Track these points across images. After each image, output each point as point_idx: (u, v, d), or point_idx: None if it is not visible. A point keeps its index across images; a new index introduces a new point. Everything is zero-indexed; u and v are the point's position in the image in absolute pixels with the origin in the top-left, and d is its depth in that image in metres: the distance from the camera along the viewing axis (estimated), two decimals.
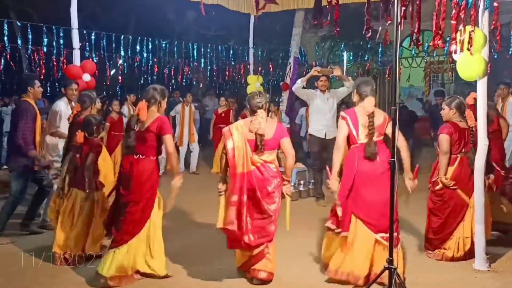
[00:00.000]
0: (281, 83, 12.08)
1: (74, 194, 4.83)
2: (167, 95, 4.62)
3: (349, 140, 4.40)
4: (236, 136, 4.18)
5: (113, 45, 10.13)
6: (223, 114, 10.58)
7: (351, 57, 14.55)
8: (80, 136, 4.83)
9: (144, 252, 4.32)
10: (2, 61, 9.85)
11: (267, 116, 4.40)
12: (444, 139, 4.82)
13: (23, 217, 5.77)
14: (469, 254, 4.73)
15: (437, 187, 4.87)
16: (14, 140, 5.47)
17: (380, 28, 4.56)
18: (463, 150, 4.84)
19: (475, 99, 4.70)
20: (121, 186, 4.33)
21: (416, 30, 3.99)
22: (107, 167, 5.28)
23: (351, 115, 4.37)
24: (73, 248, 4.72)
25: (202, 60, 12.37)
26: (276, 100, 11.97)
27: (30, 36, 9.20)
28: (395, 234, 3.84)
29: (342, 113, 4.46)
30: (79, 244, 4.75)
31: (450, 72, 14.24)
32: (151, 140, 4.31)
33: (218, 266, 4.59)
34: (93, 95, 5.50)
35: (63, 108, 6.00)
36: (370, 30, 4.20)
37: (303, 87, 7.43)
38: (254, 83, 10.60)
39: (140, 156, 4.30)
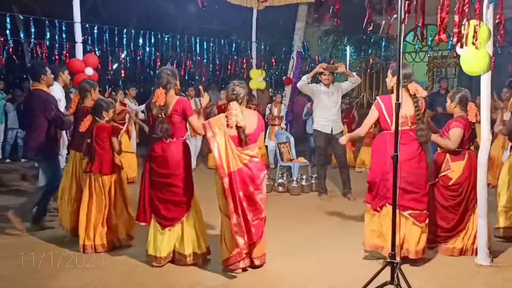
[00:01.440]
0: (283, 78, 12.07)
1: (98, 180, 4.88)
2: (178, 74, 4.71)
3: (380, 125, 4.59)
4: (219, 136, 4.15)
5: (116, 39, 10.12)
6: (223, 107, 10.60)
7: (354, 52, 14.51)
8: (85, 123, 4.90)
9: (194, 233, 4.49)
10: (5, 54, 9.84)
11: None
12: (459, 133, 4.69)
13: (34, 213, 5.66)
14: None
15: (450, 183, 4.76)
16: (42, 130, 5.43)
17: (384, 22, 4.53)
18: (470, 145, 4.80)
19: None
20: (158, 170, 4.44)
21: (420, 24, 3.97)
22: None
23: (386, 101, 4.47)
24: (98, 235, 4.82)
25: (205, 54, 12.35)
26: (279, 93, 11.95)
27: (32, 30, 9.18)
28: (424, 211, 4.39)
29: (377, 98, 4.61)
30: (104, 231, 4.84)
31: (453, 67, 14.19)
32: (178, 123, 4.45)
33: (216, 260, 4.60)
34: (93, 82, 5.50)
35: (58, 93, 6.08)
36: (371, 23, 4.20)
37: (308, 83, 7.41)
38: (256, 77, 10.59)
39: (170, 140, 4.45)
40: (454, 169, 4.76)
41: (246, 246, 4.17)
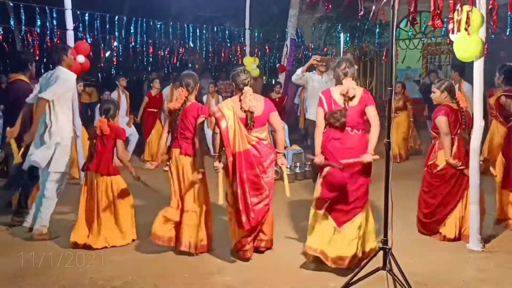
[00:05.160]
0: (277, 65, 12.02)
1: (94, 180, 4.77)
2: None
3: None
4: (228, 115, 4.22)
5: (107, 26, 10.00)
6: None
7: (348, 39, 14.45)
8: (103, 123, 4.75)
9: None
10: None
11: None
12: (442, 120, 4.76)
13: (16, 206, 5.52)
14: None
15: (438, 169, 4.82)
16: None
17: (374, 7, 4.51)
18: (458, 131, 4.82)
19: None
20: None
21: (412, 10, 3.95)
22: None
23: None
24: (95, 239, 4.69)
25: (198, 42, 12.25)
26: (273, 82, 11.92)
27: (23, 17, 9.07)
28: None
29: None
30: (102, 234, 4.70)
31: (447, 54, 14.18)
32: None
33: (217, 247, 4.62)
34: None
35: None
36: (363, 9, 4.17)
37: (302, 77, 7.35)
38: (250, 65, 10.52)
39: None
40: (440, 157, 4.82)
41: (247, 226, 4.19)
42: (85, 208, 4.79)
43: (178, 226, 4.48)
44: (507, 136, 5.32)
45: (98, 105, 6.51)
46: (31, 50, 9.71)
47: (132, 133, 9.19)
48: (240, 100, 4.27)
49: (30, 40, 9.42)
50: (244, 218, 4.16)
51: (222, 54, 12.84)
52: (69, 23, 7.02)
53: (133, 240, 4.87)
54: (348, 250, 4.04)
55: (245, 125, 4.25)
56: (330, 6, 4.74)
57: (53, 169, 4.92)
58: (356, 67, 4.44)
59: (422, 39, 14.58)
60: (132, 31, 10.63)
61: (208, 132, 9.78)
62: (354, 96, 4.14)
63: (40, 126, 4.92)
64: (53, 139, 4.89)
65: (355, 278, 3.65)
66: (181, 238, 4.43)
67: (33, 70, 5.56)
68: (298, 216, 5.76)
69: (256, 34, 12.91)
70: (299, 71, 7.36)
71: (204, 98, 10.13)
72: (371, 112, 4.13)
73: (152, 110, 9.41)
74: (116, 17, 10.11)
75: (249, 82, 4.37)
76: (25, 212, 5.35)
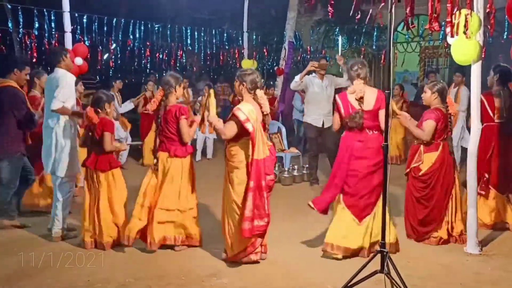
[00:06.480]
0: (275, 68, 12.01)
1: (94, 175, 4.76)
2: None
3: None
4: (255, 122, 4.13)
5: (105, 29, 9.99)
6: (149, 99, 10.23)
7: (346, 42, 14.46)
8: (91, 113, 4.73)
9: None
10: None
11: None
12: (431, 125, 4.72)
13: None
14: (459, 238, 4.77)
15: (420, 173, 4.78)
16: (8, 127, 5.19)
17: (371, 10, 4.54)
18: (445, 137, 4.82)
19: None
20: None
21: (408, 13, 3.96)
22: None
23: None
24: (98, 233, 4.70)
25: (196, 44, 12.24)
26: (271, 84, 11.90)
27: (21, 19, 9.06)
28: None
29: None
30: (104, 229, 4.70)
31: (444, 57, 14.19)
32: None
33: (214, 249, 4.61)
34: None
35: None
36: (359, 11, 4.20)
37: (301, 83, 7.36)
38: (248, 67, 10.50)
39: None
40: (425, 160, 4.78)
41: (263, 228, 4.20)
42: (88, 203, 4.79)
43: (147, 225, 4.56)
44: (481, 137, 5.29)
45: None
46: (29, 53, 9.69)
47: (125, 136, 9.12)
48: (258, 104, 4.25)
49: (28, 42, 9.40)
50: (261, 222, 4.15)
51: (221, 56, 12.84)
52: (67, 26, 7.02)
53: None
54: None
55: (264, 129, 4.28)
56: (332, 11, 4.75)
57: (59, 174, 4.98)
58: (367, 68, 4.54)
59: (420, 42, 14.60)
60: (130, 33, 10.62)
61: (199, 136, 9.84)
62: (362, 97, 4.38)
63: (47, 132, 5.02)
64: (59, 143, 4.96)
65: (353, 281, 3.64)
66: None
67: (20, 75, 5.40)
68: (296, 218, 5.76)
69: (254, 36, 12.91)
70: (297, 77, 7.36)
71: (199, 99, 10.13)
72: (381, 116, 4.25)
73: (147, 112, 9.36)
74: (114, 20, 10.10)
75: (259, 85, 4.36)
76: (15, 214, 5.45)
